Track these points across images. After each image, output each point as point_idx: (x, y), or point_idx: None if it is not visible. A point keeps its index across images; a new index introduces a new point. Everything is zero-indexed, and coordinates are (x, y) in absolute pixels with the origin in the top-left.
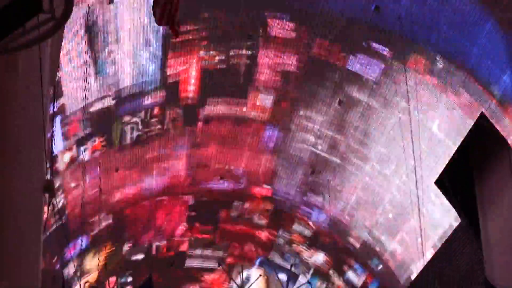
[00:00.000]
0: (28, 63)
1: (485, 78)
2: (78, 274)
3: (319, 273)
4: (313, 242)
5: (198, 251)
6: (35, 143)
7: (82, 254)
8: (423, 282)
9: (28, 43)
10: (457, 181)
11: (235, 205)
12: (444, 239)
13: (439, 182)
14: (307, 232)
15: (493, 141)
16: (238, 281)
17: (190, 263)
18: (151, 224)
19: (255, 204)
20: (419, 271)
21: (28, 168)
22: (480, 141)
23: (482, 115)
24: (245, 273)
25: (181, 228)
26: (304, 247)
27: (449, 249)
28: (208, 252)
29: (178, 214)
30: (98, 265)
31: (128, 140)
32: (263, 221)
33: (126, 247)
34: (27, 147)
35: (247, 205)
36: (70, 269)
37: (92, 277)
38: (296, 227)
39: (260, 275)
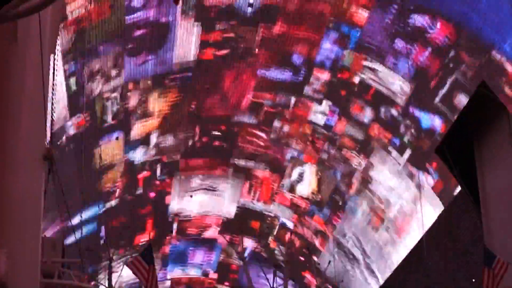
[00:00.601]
0: (28, 31)
1: (486, 44)
2: None
3: None
4: None
5: None
6: (35, 112)
7: None
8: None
9: (28, 11)
10: (457, 149)
11: None
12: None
13: (439, 151)
14: None
15: (492, 109)
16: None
17: None
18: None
19: None
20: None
21: (28, 136)
22: (479, 110)
23: (482, 83)
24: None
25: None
26: None
27: (448, 218)
28: None
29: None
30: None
31: None
32: None
33: None
34: (27, 115)
35: None
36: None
37: None
38: None
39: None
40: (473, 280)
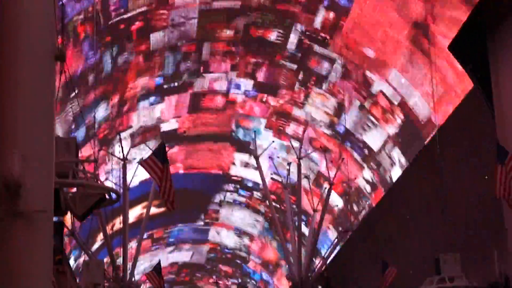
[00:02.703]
0: None
1: None
2: None
3: None
4: None
5: None
6: (46, 11)
7: None
8: (434, 147)
9: None
10: (471, 46)
11: None
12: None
13: (452, 47)
14: None
15: (507, 5)
16: None
17: None
18: None
19: None
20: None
21: (39, 36)
22: (493, 5)
23: None
24: None
25: None
26: None
27: (461, 114)
28: None
29: None
30: None
31: None
32: None
33: None
34: (38, 15)
35: None
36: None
37: None
38: None
39: None
40: (486, 177)
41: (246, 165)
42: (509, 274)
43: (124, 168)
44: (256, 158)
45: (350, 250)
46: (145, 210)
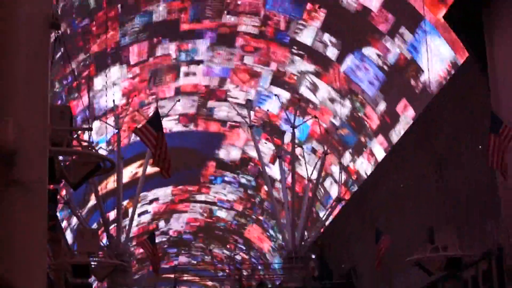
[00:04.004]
0: None
1: None
2: None
3: None
4: None
5: None
6: None
7: None
8: (428, 117)
9: None
10: (465, 15)
11: None
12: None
13: (447, 16)
14: None
15: None
16: None
17: None
18: None
19: None
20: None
21: (34, 3)
22: None
23: None
24: None
25: None
26: None
27: (455, 84)
28: None
29: None
30: None
31: None
32: None
33: None
34: None
35: None
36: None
37: None
38: None
39: None
40: (480, 146)
41: None
42: (503, 244)
43: (119, 137)
44: (250, 127)
45: (343, 219)
46: (140, 169)
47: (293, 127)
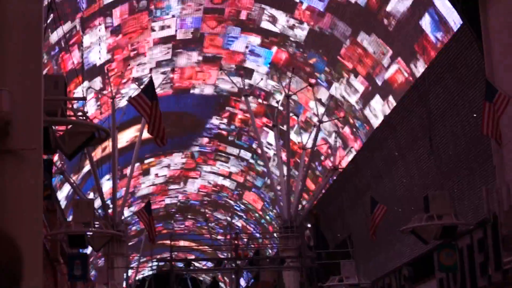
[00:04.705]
0: None
1: None
2: None
3: None
4: None
5: None
6: None
7: None
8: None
9: None
10: None
11: None
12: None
13: None
14: None
15: None
16: None
17: None
18: None
19: None
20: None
21: None
22: None
23: None
24: None
25: None
26: None
27: (450, 51)
28: None
29: None
30: None
31: None
32: None
33: None
34: None
35: None
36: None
37: None
38: None
39: None
40: (474, 115)
41: None
42: (497, 212)
43: (113, 106)
44: (246, 96)
45: (338, 187)
46: (136, 134)
47: (288, 95)
